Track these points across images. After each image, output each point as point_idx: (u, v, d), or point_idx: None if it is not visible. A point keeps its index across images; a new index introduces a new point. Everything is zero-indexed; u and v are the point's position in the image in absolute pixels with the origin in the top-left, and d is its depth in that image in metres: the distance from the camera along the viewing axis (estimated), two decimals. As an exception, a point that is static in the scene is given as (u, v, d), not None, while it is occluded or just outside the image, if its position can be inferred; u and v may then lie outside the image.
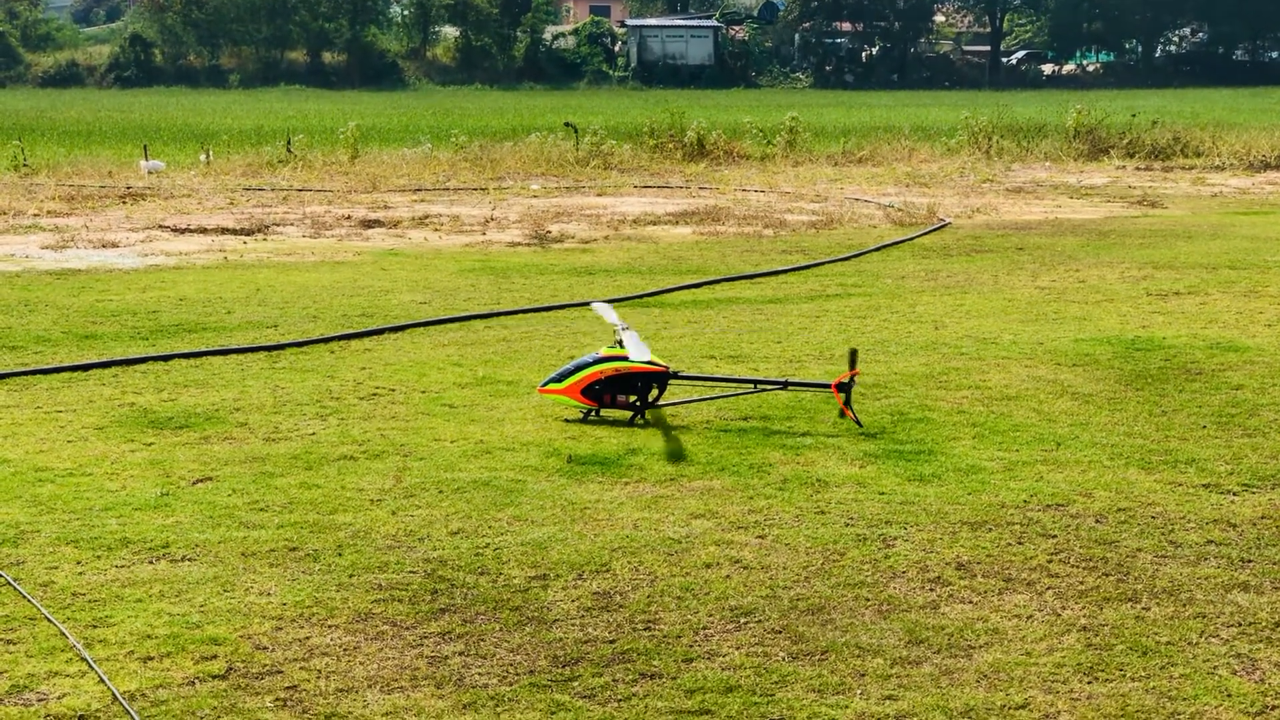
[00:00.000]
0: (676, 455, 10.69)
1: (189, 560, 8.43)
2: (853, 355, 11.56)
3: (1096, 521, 9.23)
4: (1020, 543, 8.82)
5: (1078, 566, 8.42)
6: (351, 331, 15.34)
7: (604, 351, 11.80)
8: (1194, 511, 9.45)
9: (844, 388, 11.44)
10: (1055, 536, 8.93)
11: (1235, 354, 14.28)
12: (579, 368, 11.72)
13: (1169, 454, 10.79)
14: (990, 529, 9.07)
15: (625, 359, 11.67)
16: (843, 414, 11.50)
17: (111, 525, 9.00)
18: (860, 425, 11.44)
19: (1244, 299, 17.73)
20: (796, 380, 12.14)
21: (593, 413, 11.77)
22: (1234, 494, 9.86)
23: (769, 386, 12.02)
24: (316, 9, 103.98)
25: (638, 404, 11.74)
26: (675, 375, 11.93)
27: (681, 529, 9.03)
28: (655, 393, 11.80)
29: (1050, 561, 8.50)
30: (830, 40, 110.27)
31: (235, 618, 7.60)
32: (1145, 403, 12.38)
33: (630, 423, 11.67)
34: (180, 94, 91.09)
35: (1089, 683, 6.90)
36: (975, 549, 8.70)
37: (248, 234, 24.45)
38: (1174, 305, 17.30)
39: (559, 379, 11.75)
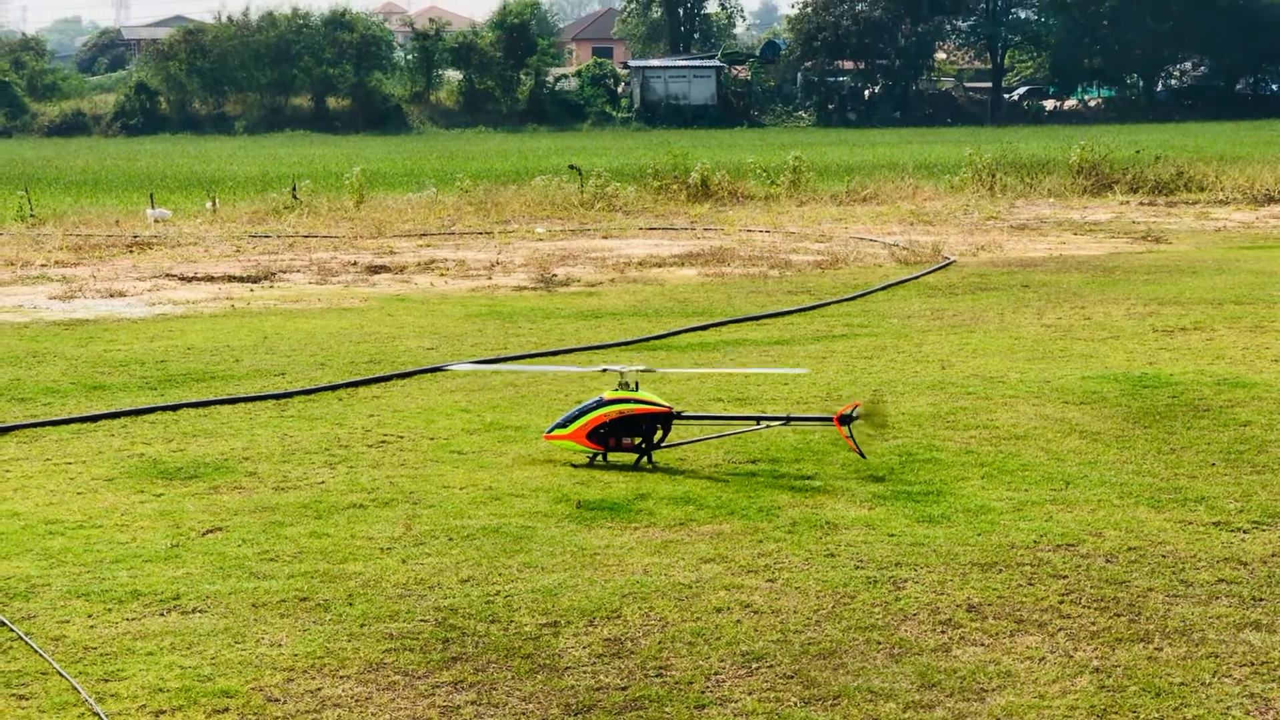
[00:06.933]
0: (685, 499, 10.69)
1: (200, 612, 8.43)
2: (874, 400, 11.80)
3: (1107, 561, 9.22)
4: (1031, 583, 8.81)
5: (1089, 607, 8.41)
6: (364, 377, 15.37)
7: (607, 395, 11.82)
8: (1204, 550, 9.44)
9: (846, 420, 11.46)
10: (1066, 577, 8.92)
11: (1242, 390, 14.28)
12: (583, 412, 11.74)
13: (1178, 492, 10.78)
14: (1001, 570, 9.06)
15: (629, 401, 11.69)
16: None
17: (122, 577, 9.01)
18: (864, 457, 11.46)
19: (1250, 334, 17.73)
20: (799, 415, 12.17)
21: (599, 457, 11.79)
22: (1244, 532, 9.85)
23: (772, 423, 12.06)
24: (321, 55, 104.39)
25: (643, 446, 11.75)
26: (679, 416, 11.95)
27: (692, 574, 9.03)
28: (660, 434, 11.82)
29: (1061, 602, 8.49)
30: (832, 79, 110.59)
31: (247, 669, 7.60)
32: (1153, 440, 12.38)
33: (636, 465, 11.68)
34: (186, 141, 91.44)
35: (1102, 725, 6.89)
36: (986, 590, 8.69)
37: (255, 281, 24.51)
38: (1180, 341, 17.30)
39: (564, 424, 11.77)
